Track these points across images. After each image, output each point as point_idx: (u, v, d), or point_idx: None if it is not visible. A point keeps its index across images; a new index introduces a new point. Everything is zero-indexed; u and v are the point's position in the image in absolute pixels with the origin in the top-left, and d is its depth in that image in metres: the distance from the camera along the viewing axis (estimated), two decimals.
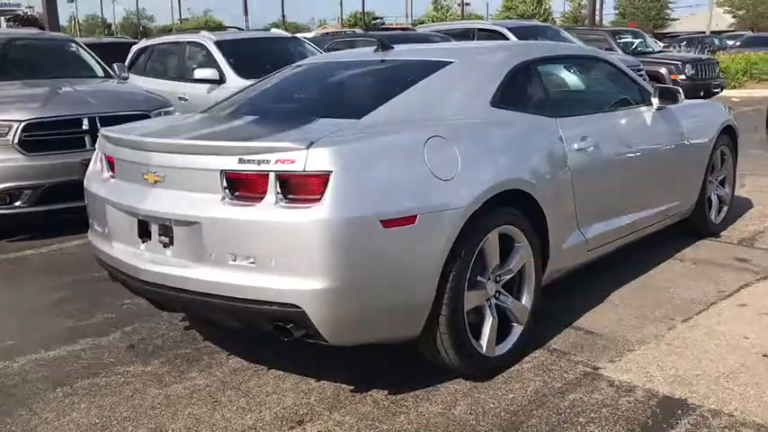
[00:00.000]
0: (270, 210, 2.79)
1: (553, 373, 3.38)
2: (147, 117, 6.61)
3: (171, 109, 6.96)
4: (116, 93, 7.09)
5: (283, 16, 54.23)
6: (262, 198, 2.82)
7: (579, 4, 68.45)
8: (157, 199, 3.09)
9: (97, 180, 3.59)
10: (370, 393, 3.24)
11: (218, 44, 9.01)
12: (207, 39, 9.23)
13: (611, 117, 4.32)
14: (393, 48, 4.10)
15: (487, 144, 3.31)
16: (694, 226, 5.35)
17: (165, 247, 3.13)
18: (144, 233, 3.21)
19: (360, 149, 2.88)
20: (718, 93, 15.35)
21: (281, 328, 2.88)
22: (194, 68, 8.77)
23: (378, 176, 2.86)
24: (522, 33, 12.49)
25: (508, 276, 3.40)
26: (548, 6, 68.14)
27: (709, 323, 3.89)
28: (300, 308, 2.78)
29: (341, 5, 68.47)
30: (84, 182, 3.74)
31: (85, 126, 6.26)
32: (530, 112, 3.73)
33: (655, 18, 65.58)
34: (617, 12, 70.41)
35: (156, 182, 3.11)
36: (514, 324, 3.45)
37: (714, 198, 5.53)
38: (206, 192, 2.94)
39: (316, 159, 2.73)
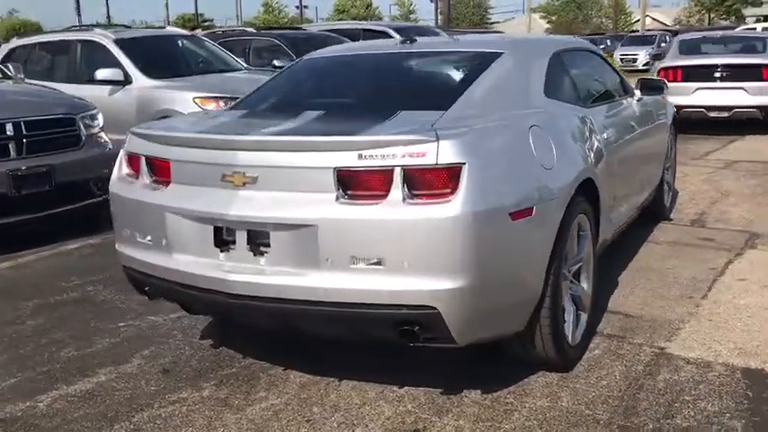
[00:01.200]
0: (398, 207, 2.61)
1: (626, 357, 3.44)
2: (74, 121, 6.02)
3: (95, 112, 6.35)
4: (38, 95, 6.34)
5: (108, 18, 51.04)
6: (385, 195, 2.63)
7: (409, 10, 70.69)
8: (248, 202, 2.79)
9: (134, 186, 3.19)
10: (464, 395, 3.13)
11: (119, 42, 8.33)
12: (103, 37, 8.51)
13: (616, 107, 4.48)
14: (417, 40, 3.99)
15: (568, 133, 3.32)
16: (654, 209, 5.68)
17: (256, 255, 2.83)
18: (222, 242, 2.89)
19: (484, 140, 2.77)
20: None
21: (406, 333, 2.71)
22: (94, 69, 8.03)
23: (501, 167, 2.77)
24: (407, 34, 12.66)
25: (578, 265, 3.42)
26: (376, 10, 69.87)
27: (727, 298, 4.14)
28: (435, 308, 2.63)
29: (167, 7, 65.81)
30: (113, 189, 3.30)
31: (9, 132, 5.54)
32: (570, 102, 3.78)
33: (478, 23, 69.09)
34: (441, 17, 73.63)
35: (244, 183, 2.80)
36: (581, 312, 3.48)
37: (665, 183, 5.91)
38: (315, 191, 2.70)
39: (447, 151, 2.59)
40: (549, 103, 3.54)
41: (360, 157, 2.63)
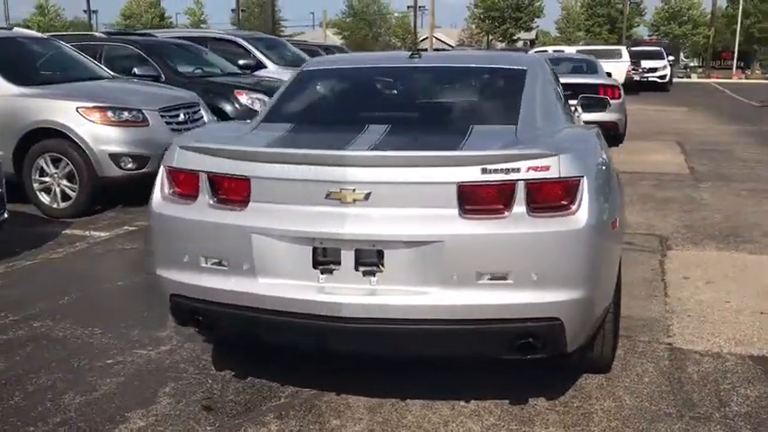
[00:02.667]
0: (524, 221, 2.64)
1: (647, 354, 3.71)
2: None
3: None
4: None
5: None
6: (507, 209, 2.65)
7: (200, 19, 68.91)
8: (359, 220, 2.66)
9: (192, 206, 2.89)
10: (532, 404, 3.20)
11: None
12: None
13: None
14: (423, 55, 4.00)
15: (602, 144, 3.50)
16: None
17: (366, 275, 2.70)
18: (322, 263, 2.72)
19: (588, 155, 2.87)
20: None
21: (523, 346, 2.73)
22: None
23: (600, 179, 2.89)
24: (256, 44, 12.48)
25: None
26: (170, 21, 67.50)
27: (687, 295, 4.60)
28: (559, 319, 2.69)
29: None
30: (157, 210, 2.96)
31: None
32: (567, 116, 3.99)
33: (273, 35, 69.17)
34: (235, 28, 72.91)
35: (354, 201, 2.66)
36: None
37: None
38: (435, 207, 2.65)
39: (569, 165, 2.67)
40: (568, 118, 3.73)
41: (483, 171, 2.62)
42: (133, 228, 6.43)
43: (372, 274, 2.69)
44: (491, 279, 2.63)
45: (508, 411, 3.13)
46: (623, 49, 26.65)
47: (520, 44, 60.13)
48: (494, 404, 3.19)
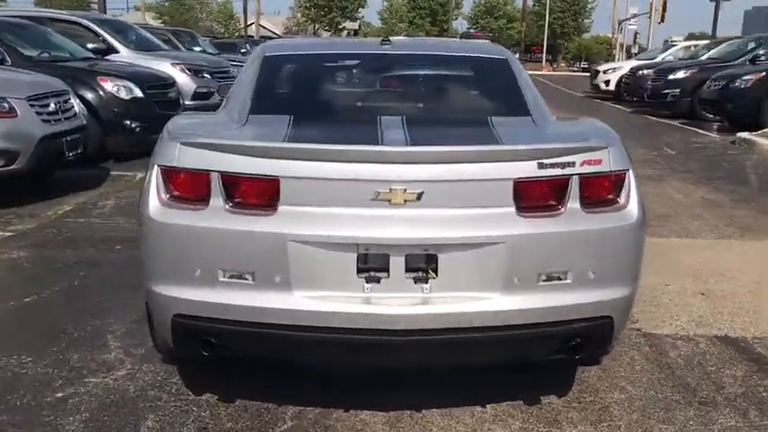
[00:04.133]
0: (580, 217, 2.53)
1: (625, 342, 3.74)
2: None
3: None
4: None
5: None
6: (562, 206, 2.53)
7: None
8: (412, 222, 2.41)
9: (204, 212, 2.48)
10: (546, 403, 3.12)
11: None
12: None
13: None
14: (393, 42, 3.75)
15: None
16: None
17: (417, 282, 2.46)
18: (367, 270, 2.45)
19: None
20: None
21: (575, 347, 2.63)
22: None
23: (635, 172, 2.83)
24: (104, 26, 11.52)
25: None
26: None
27: None
28: (611, 318, 2.62)
29: None
30: (157, 218, 2.52)
31: None
32: None
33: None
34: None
35: (405, 201, 2.40)
36: None
37: None
38: (491, 206, 2.46)
39: (617, 158, 2.60)
40: None
41: (540, 166, 2.47)
42: (9, 233, 5.61)
43: (425, 280, 2.46)
44: (551, 280, 2.50)
45: (529, 413, 3.03)
46: None
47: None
48: (511, 407, 3.07)
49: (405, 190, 2.40)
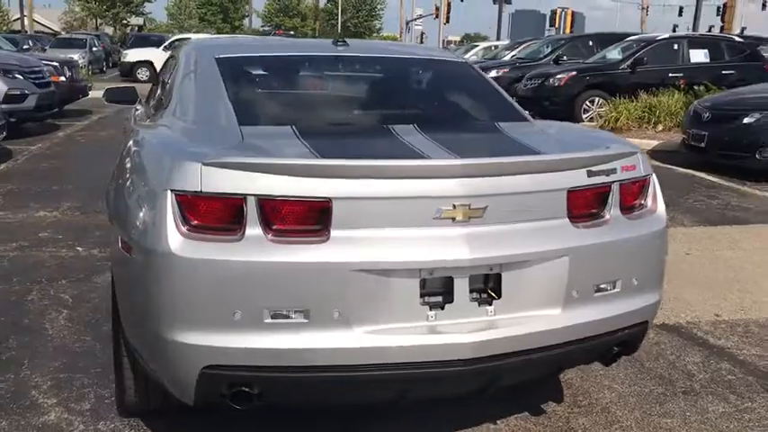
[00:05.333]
0: (624, 224, 2.51)
1: None
2: None
3: None
4: None
5: None
6: (607, 213, 2.49)
7: None
8: (478, 240, 2.22)
9: (240, 244, 2.12)
10: (549, 413, 3.10)
11: None
12: None
13: None
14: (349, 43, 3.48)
15: None
16: None
17: (482, 304, 2.28)
18: (430, 296, 2.24)
19: None
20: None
21: (616, 354, 2.62)
22: None
23: None
24: None
25: None
26: None
27: None
28: (647, 323, 2.63)
29: None
30: (179, 252, 2.11)
31: None
32: None
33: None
34: None
35: (470, 218, 2.22)
36: None
37: None
38: (547, 218, 2.36)
39: (644, 162, 2.61)
40: None
41: (589, 174, 2.41)
42: None
43: (489, 302, 2.29)
44: (604, 290, 2.45)
45: (542, 424, 2.98)
46: None
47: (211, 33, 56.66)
48: (521, 420, 3.00)
49: (469, 206, 2.21)
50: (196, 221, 2.16)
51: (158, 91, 4.23)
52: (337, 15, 61.48)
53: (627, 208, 2.54)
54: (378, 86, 3.33)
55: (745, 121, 8.37)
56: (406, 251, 2.18)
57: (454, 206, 2.20)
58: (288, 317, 2.15)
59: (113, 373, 3.03)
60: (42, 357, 3.46)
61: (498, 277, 2.29)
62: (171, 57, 4.35)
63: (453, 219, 2.21)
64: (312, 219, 2.16)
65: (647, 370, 3.50)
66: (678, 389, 3.31)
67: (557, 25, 40.57)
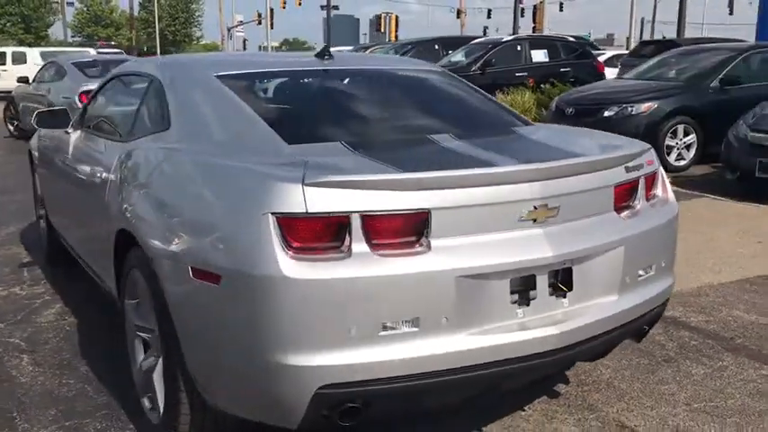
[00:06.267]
0: (651, 213, 2.81)
1: None
2: None
3: None
4: None
5: None
6: (635, 204, 2.76)
7: None
8: (555, 238, 2.39)
9: (348, 260, 2.13)
10: (568, 392, 3.33)
11: None
12: None
13: None
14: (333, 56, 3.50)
15: None
16: None
17: (558, 297, 2.46)
18: (518, 294, 2.38)
19: None
20: None
21: (641, 334, 2.90)
22: None
23: None
24: None
25: None
26: None
27: None
28: (667, 301, 2.93)
29: None
30: (289, 273, 2.09)
31: None
32: None
33: None
34: None
35: (547, 218, 2.38)
36: None
37: None
38: (601, 212, 2.61)
39: (656, 157, 2.91)
40: None
41: (627, 170, 2.67)
42: None
43: (564, 295, 2.47)
44: (644, 275, 2.71)
45: (564, 404, 3.19)
46: None
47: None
48: (544, 403, 3.20)
49: (546, 206, 2.38)
50: (300, 242, 2.15)
51: (112, 114, 4.02)
52: (154, 23, 59.17)
53: (650, 198, 2.83)
54: (392, 99, 3.40)
55: (606, 114, 9.22)
56: (498, 254, 2.31)
57: (535, 207, 2.36)
58: (399, 327, 2.19)
59: (122, 413, 3.04)
60: (32, 408, 3.18)
61: (569, 271, 2.47)
62: (117, 79, 4.15)
63: (534, 220, 2.37)
64: (412, 230, 2.23)
65: (626, 345, 3.82)
66: (659, 358, 3.68)
67: (382, 29, 41.84)
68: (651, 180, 2.84)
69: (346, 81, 3.45)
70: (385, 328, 2.18)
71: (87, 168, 3.73)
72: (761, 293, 4.64)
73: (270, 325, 2.15)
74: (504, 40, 14.89)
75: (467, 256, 2.26)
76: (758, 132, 7.36)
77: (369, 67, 3.67)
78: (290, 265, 2.11)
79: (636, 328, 2.79)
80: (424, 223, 2.23)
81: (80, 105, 10.71)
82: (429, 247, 2.23)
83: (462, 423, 3.03)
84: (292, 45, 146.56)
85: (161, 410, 2.73)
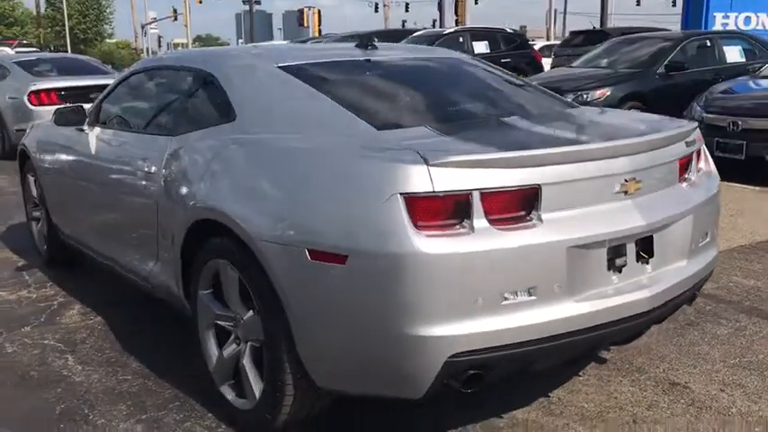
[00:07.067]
0: (705, 185, 3.05)
1: None
2: None
3: None
4: None
5: None
6: (691, 176, 3.00)
7: None
8: (641, 209, 2.59)
9: (471, 235, 2.27)
10: (599, 365, 3.55)
11: None
12: None
13: None
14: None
15: None
16: None
17: (643, 263, 2.66)
18: (613, 262, 2.56)
19: None
20: None
21: (695, 297, 3.13)
22: None
23: None
24: None
25: None
26: None
27: None
28: (713, 268, 3.18)
29: None
30: (423, 248, 2.21)
31: None
32: None
33: None
34: None
35: (636, 191, 2.57)
36: None
37: None
38: (671, 184, 2.84)
39: (700, 134, 3.15)
40: None
41: (687, 144, 2.90)
42: None
43: (647, 261, 2.67)
44: (702, 242, 2.94)
45: (616, 369, 3.41)
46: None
47: None
48: (596, 368, 3.40)
49: (635, 179, 2.58)
50: (427, 220, 2.26)
51: (146, 109, 3.99)
52: (62, 21, 56.98)
53: (700, 171, 3.06)
54: (452, 86, 3.51)
55: None
56: (598, 225, 2.49)
57: (626, 180, 2.55)
58: (519, 296, 2.33)
59: (196, 404, 3.11)
60: (101, 404, 3.16)
61: (650, 239, 2.68)
62: (143, 74, 4.11)
63: (626, 192, 2.56)
64: (525, 205, 2.39)
65: None
66: (682, 323, 3.94)
67: (305, 24, 41.67)
68: (700, 154, 3.08)
69: (404, 70, 3.57)
70: (506, 297, 2.32)
71: (121, 165, 3.70)
72: (750, 260, 5.01)
73: (403, 299, 2.25)
74: (447, 32, 15.19)
75: (574, 228, 2.43)
76: (712, 114, 7.84)
77: (420, 56, 3.80)
78: (421, 242, 2.22)
79: (693, 293, 3.02)
80: (535, 197, 2.38)
81: (29, 106, 10.37)
82: (540, 219, 2.38)
83: (527, 391, 3.20)
84: (205, 41, 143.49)
85: (256, 396, 2.77)
